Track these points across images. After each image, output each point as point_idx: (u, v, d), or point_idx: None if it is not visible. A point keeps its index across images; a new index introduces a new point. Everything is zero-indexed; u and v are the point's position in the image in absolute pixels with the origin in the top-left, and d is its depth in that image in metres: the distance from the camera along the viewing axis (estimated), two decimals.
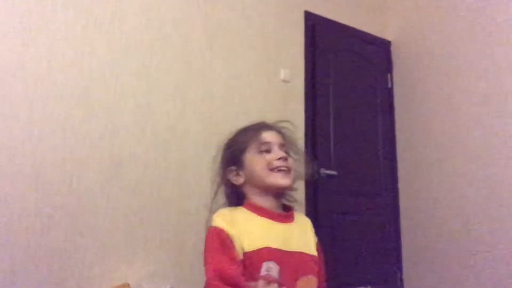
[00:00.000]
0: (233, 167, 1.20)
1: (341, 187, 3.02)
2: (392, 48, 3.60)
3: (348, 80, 3.27)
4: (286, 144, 1.22)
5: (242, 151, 1.19)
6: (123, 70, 2.26)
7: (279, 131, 1.23)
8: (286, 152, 1.19)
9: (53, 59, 2.07)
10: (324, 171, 2.93)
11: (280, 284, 1.04)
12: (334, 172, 2.97)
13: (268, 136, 1.20)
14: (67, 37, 2.12)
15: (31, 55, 2.02)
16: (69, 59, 2.11)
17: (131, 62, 2.30)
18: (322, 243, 1.24)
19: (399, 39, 3.57)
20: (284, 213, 1.19)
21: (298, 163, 1.24)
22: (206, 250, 1.12)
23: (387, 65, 3.56)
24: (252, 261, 1.05)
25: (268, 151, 1.17)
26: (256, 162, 1.16)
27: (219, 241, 1.09)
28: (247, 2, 2.81)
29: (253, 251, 1.06)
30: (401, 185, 3.37)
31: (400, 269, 3.28)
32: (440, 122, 3.14)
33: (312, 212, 2.77)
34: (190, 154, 2.42)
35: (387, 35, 3.61)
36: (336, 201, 2.99)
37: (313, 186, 2.85)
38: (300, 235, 1.18)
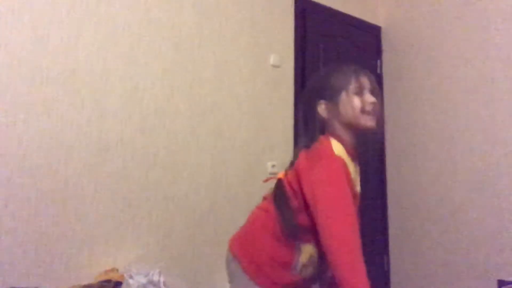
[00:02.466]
0: (324, 101, 1.33)
1: None
2: (382, 34, 3.59)
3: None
4: (374, 90, 1.34)
5: (341, 89, 1.31)
6: (110, 53, 2.23)
7: (371, 78, 1.35)
8: (373, 94, 1.33)
9: (38, 42, 2.03)
10: None
11: None
12: None
13: (365, 80, 1.33)
14: (52, 20, 2.08)
15: (15, 38, 1.97)
16: (55, 42, 2.07)
17: (119, 46, 2.26)
18: None
19: (389, 25, 3.56)
20: (356, 153, 1.35)
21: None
22: (332, 177, 1.18)
23: (377, 51, 3.56)
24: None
25: (361, 94, 1.31)
26: (352, 102, 1.30)
27: (345, 173, 1.20)
28: None
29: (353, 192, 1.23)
30: (388, 171, 3.41)
31: (387, 254, 3.34)
32: (429, 109, 3.17)
33: None
34: (178, 139, 2.41)
35: (377, 21, 3.59)
36: None
37: None
38: (358, 177, 1.38)
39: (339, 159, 1.21)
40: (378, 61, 3.55)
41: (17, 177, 1.91)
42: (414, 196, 3.20)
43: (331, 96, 1.32)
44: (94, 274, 2.03)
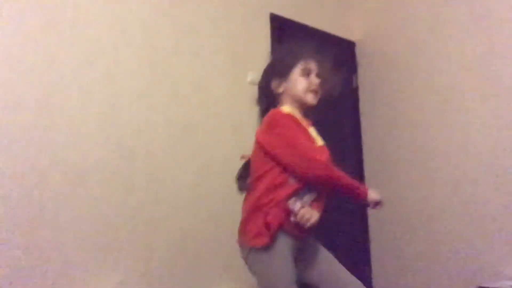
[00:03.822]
0: (277, 79, 1.61)
1: None
2: (357, 49, 3.66)
3: None
4: (320, 72, 1.62)
5: (289, 70, 1.60)
6: (86, 75, 2.18)
7: (320, 62, 1.64)
8: (319, 77, 1.61)
9: (11, 65, 1.97)
10: None
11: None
12: None
13: (312, 64, 1.61)
14: (26, 42, 2.02)
15: None
16: (28, 65, 2.01)
17: (94, 67, 2.22)
18: None
19: (363, 40, 3.63)
20: (307, 120, 1.64)
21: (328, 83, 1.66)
22: (283, 128, 1.48)
23: (352, 66, 3.61)
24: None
25: (307, 76, 1.60)
26: (299, 82, 1.59)
27: (294, 123, 1.51)
28: (213, 4, 2.77)
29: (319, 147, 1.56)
30: (367, 181, 3.44)
31: (368, 264, 3.36)
32: (405, 120, 3.23)
33: None
34: (158, 160, 2.37)
35: (352, 36, 3.66)
36: None
37: None
38: (318, 136, 1.63)
39: (287, 115, 1.50)
40: (354, 76, 3.60)
41: None
42: (393, 208, 3.23)
43: (282, 75, 1.60)
44: None
